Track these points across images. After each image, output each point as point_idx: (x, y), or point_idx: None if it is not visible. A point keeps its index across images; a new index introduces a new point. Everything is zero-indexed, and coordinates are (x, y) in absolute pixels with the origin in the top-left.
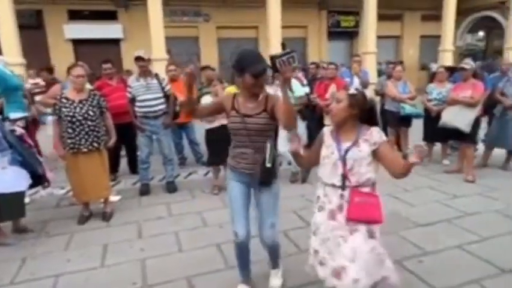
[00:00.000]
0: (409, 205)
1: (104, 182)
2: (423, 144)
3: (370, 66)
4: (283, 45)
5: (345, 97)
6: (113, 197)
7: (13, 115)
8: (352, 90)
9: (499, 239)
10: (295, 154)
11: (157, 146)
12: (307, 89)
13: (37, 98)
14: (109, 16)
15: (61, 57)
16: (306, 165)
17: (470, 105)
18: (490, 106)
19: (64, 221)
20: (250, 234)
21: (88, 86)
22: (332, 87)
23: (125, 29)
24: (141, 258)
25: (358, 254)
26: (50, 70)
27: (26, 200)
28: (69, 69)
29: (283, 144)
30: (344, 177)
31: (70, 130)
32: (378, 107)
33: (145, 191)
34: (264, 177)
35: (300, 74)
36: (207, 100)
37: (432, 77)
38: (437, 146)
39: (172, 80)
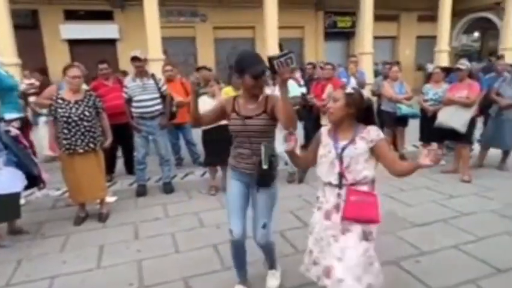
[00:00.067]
0: (406, 205)
1: (100, 183)
2: (437, 147)
3: (367, 66)
4: (281, 46)
5: (342, 96)
6: (110, 198)
7: (8, 116)
8: (349, 90)
9: (495, 239)
10: (291, 154)
11: (153, 147)
12: (304, 90)
13: (31, 98)
14: (105, 16)
15: (57, 57)
16: (303, 165)
17: (466, 105)
18: (485, 106)
19: (60, 222)
20: (246, 233)
21: (84, 87)
22: (329, 88)
23: (121, 29)
24: (138, 259)
25: (347, 255)
26: (43, 71)
27: (22, 201)
28: (65, 69)
29: (280, 144)
30: (341, 175)
31: (65, 131)
32: (374, 107)
33: (141, 191)
34: (260, 179)
35: (298, 75)
36: (204, 101)
37: (428, 78)
38: (434, 146)
39: (169, 80)
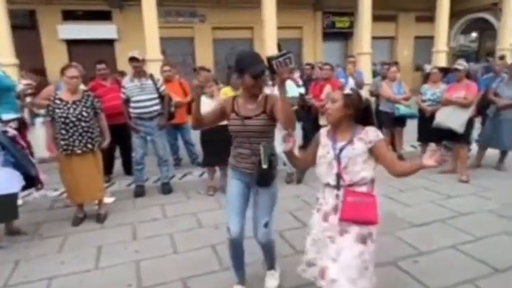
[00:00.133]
0: (404, 205)
1: (98, 184)
2: (440, 149)
3: (365, 66)
4: (279, 46)
5: (340, 97)
6: (108, 199)
7: (5, 116)
8: (347, 90)
9: (493, 239)
10: (289, 155)
11: (151, 147)
12: (302, 90)
13: (28, 99)
14: (103, 16)
15: (55, 57)
16: (301, 166)
17: (464, 105)
18: (483, 106)
19: (58, 223)
20: (244, 232)
21: (82, 87)
22: (327, 88)
23: (119, 29)
24: (136, 260)
25: (342, 256)
26: (38, 71)
27: (19, 202)
28: (63, 70)
29: (279, 144)
30: (339, 176)
31: (63, 131)
32: (373, 108)
33: (139, 192)
34: (260, 179)
35: (296, 75)
36: (202, 101)
37: (426, 78)
38: (431, 147)
39: (167, 80)
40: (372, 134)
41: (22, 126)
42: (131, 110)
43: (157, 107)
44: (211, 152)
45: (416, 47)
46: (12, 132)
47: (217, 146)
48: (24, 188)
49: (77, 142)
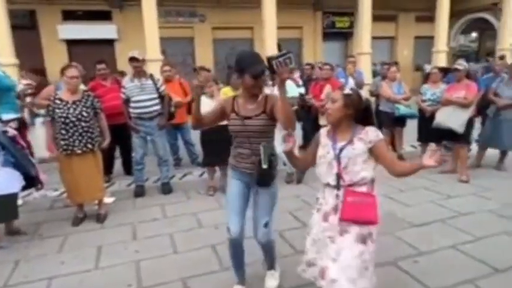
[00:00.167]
0: (404, 205)
1: (98, 184)
2: (438, 148)
3: (365, 66)
4: (279, 46)
5: (340, 97)
6: (108, 199)
7: (5, 116)
8: (347, 90)
9: (493, 239)
10: (289, 155)
11: (151, 147)
12: (302, 90)
13: (27, 99)
14: (103, 16)
15: (55, 57)
16: (301, 166)
17: (464, 105)
18: (483, 106)
19: (58, 223)
20: (243, 231)
21: (82, 87)
22: (327, 88)
23: (119, 29)
24: (136, 260)
25: (342, 256)
26: (37, 71)
27: (19, 202)
28: (63, 70)
29: (279, 144)
30: (339, 176)
31: (63, 131)
32: (373, 108)
33: (139, 192)
34: (260, 179)
35: (297, 75)
36: (202, 101)
37: (426, 78)
38: (431, 147)
39: (167, 80)
40: (372, 134)
41: (22, 126)
42: (131, 110)
43: (157, 107)
44: (211, 152)
45: (416, 47)
46: (12, 132)
47: (217, 146)
48: (24, 188)
49: (77, 142)
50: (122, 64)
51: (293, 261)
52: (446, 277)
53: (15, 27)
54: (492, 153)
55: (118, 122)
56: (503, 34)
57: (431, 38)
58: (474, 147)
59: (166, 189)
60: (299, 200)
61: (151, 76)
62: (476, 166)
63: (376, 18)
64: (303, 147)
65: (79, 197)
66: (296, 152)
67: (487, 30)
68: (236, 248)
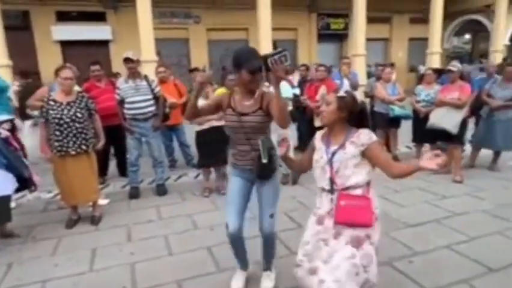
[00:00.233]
0: (399, 206)
1: (92, 185)
2: (442, 154)
3: (359, 68)
4: (275, 44)
5: (334, 99)
6: (102, 201)
7: None
8: (341, 93)
9: (487, 239)
10: (285, 158)
11: (146, 149)
12: (297, 91)
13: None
14: (98, 17)
15: (49, 59)
16: (297, 169)
17: (458, 106)
18: (476, 107)
19: (52, 225)
20: (242, 227)
21: (76, 88)
22: (322, 89)
23: (114, 30)
24: (130, 262)
25: (334, 258)
26: (24, 74)
27: (12, 204)
28: (57, 71)
29: (275, 138)
30: (332, 180)
31: (57, 133)
32: (368, 110)
33: (134, 194)
34: (261, 173)
35: (291, 77)
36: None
37: (420, 79)
38: (426, 147)
39: (162, 81)
40: (364, 137)
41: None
42: (125, 111)
43: (152, 108)
44: (206, 153)
45: (410, 49)
46: (4, 133)
47: (212, 147)
48: (17, 190)
49: (72, 143)
50: (117, 65)
51: (289, 262)
52: (441, 277)
53: (8, 28)
54: (485, 153)
55: (113, 123)
56: (496, 36)
57: (425, 39)
58: (468, 147)
59: (161, 190)
60: (295, 201)
61: (146, 77)
62: (469, 166)
63: (370, 20)
64: (298, 148)
65: (73, 199)
66: (291, 154)
67: (480, 32)
68: (235, 242)
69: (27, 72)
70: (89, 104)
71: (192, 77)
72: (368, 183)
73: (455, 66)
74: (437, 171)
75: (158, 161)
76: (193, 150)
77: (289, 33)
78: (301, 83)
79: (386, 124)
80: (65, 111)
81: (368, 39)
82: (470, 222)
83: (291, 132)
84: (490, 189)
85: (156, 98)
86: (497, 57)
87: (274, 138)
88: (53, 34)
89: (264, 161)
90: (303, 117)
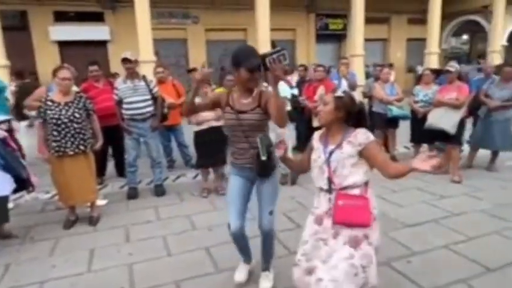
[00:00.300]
0: (397, 206)
1: (90, 186)
2: (438, 156)
3: (358, 68)
4: (273, 44)
5: (332, 100)
6: (100, 201)
7: None
8: (339, 93)
9: (485, 239)
10: (284, 160)
11: (144, 149)
12: (295, 91)
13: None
14: (96, 18)
15: (47, 59)
16: (296, 169)
17: (456, 107)
18: (474, 108)
19: (49, 226)
20: (244, 226)
21: (74, 89)
22: (321, 89)
23: (112, 30)
24: (129, 263)
25: (332, 258)
26: (19, 74)
27: (10, 205)
28: (55, 71)
29: (274, 136)
30: (330, 180)
31: (55, 133)
32: (366, 110)
33: (132, 194)
34: (261, 170)
35: (290, 77)
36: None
37: (418, 79)
38: (424, 148)
39: (160, 82)
40: (361, 136)
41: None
42: (123, 112)
43: (150, 109)
44: (204, 154)
45: (408, 49)
46: (2, 134)
47: (211, 147)
48: (15, 191)
49: (69, 143)
50: (115, 65)
51: (287, 263)
52: (439, 277)
53: (5, 28)
54: (483, 154)
55: (111, 123)
56: (493, 36)
57: (423, 40)
58: (466, 148)
59: (160, 191)
60: (293, 201)
61: (144, 77)
62: (467, 167)
63: (369, 20)
64: (296, 148)
65: (70, 200)
66: (290, 154)
67: (478, 33)
68: (238, 240)
69: (22, 72)
70: (87, 104)
71: (191, 77)
72: (366, 183)
73: (453, 66)
74: (435, 172)
75: (156, 161)
76: (192, 150)
77: (288, 34)
78: (300, 84)
79: (384, 124)
80: (63, 112)
81: (366, 40)
82: (468, 222)
83: (289, 132)
84: (488, 189)
85: (154, 98)
86: (495, 58)
87: (272, 136)
88: (51, 34)
89: (263, 158)
90: (301, 118)
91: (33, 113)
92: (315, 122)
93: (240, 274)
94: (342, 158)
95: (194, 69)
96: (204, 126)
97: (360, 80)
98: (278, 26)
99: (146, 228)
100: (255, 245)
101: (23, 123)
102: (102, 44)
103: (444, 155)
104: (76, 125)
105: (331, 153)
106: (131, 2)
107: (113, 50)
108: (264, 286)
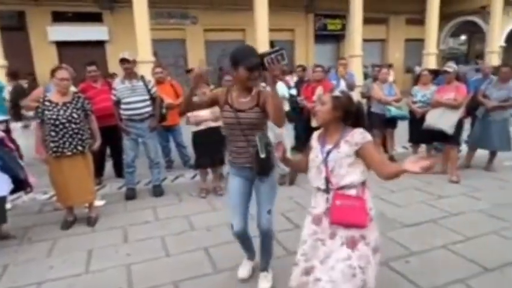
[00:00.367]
0: (395, 206)
1: (88, 186)
2: (433, 159)
3: (356, 69)
4: (272, 45)
5: (329, 99)
6: (98, 202)
7: None
8: (336, 93)
9: (483, 239)
10: (284, 161)
11: (143, 149)
12: (293, 91)
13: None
14: (94, 18)
15: (45, 59)
16: (298, 169)
17: (454, 107)
18: (472, 108)
19: (47, 226)
20: (247, 226)
21: (72, 89)
22: (319, 90)
23: (110, 31)
24: (127, 264)
25: (330, 258)
26: (13, 75)
27: (8, 205)
28: (53, 71)
29: (272, 134)
30: (327, 180)
31: (53, 133)
32: (364, 110)
33: (130, 195)
34: (260, 169)
35: (288, 77)
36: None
37: (416, 80)
38: (422, 148)
39: (159, 82)
40: (358, 136)
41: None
42: (122, 112)
43: (148, 109)
44: (203, 154)
45: (406, 50)
46: (0, 134)
47: (209, 148)
48: (12, 192)
49: (67, 144)
50: (114, 66)
51: (286, 263)
52: (437, 277)
53: (3, 29)
54: (481, 154)
55: (109, 123)
56: (491, 37)
57: (421, 40)
58: (464, 148)
59: (158, 191)
60: (292, 201)
61: (142, 77)
62: (465, 167)
63: (367, 20)
64: (295, 148)
65: (68, 200)
66: (288, 155)
67: (476, 33)
68: (241, 239)
69: (17, 73)
70: (85, 105)
71: (189, 77)
72: (363, 184)
73: (451, 67)
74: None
75: (154, 162)
76: (190, 151)
77: (287, 34)
78: (298, 84)
79: (383, 125)
80: (61, 112)
81: (365, 40)
82: (467, 222)
83: (287, 132)
84: (486, 189)
85: (153, 98)
86: (492, 58)
87: (270, 136)
88: (49, 35)
89: (262, 155)
90: (299, 118)
91: (31, 113)
92: (313, 122)
93: (244, 270)
94: (339, 157)
95: (192, 70)
96: (202, 127)
97: (359, 80)
98: (277, 26)
99: (145, 228)
100: (254, 245)
101: (19, 124)
102: (100, 44)
103: (442, 155)
104: (74, 126)
105: (328, 152)
106: (130, 2)
107: (112, 51)
108: (263, 287)
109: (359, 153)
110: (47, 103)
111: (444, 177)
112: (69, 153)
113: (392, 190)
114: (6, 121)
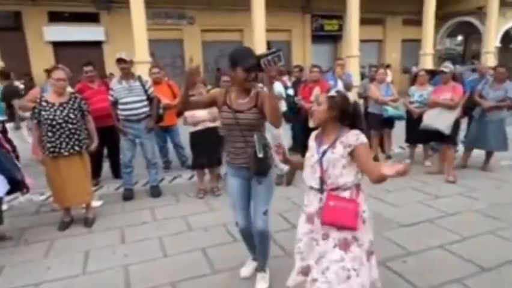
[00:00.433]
0: (392, 206)
1: (86, 187)
2: (405, 163)
3: (353, 69)
4: (269, 45)
5: (325, 100)
6: (96, 202)
7: None
8: (332, 93)
9: (479, 238)
10: (285, 161)
11: (140, 150)
12: (291, 91)
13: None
14: (91, 18)
15: (41, 60)
16: (300, 169)
17: (450, 107)
18: (469, 108)
19: (44, 227)
20: (250, 224)
21: (69, 89)
22: (316, 90)
23: (107, 31)
24: (124, 265)
25: (324, 259)
26: (3, 75)
27: (4, 206)
28: (49, 72)
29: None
30: (322, 180)
31: (49, 134)
32: (362, 110)
33: (128, 195)
34: (257, 169)
35: (285, 78)
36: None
37: (413, 80)
38: (419, 148)
39: (156, 82)
40: (352, 137)
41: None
42: (119, 112)
43: (146, 109)
44: (200, 155)
45: (403, 50)
46: None
47: (206, 148)
48: (9, 192)
49: (64, 144)
50: (111, 66)
51: (283, 263)
52: (434, 277)
53: None
54: (478, 154)
55: (106, 124)
56: (487, 37)
57: (418, 41)
58: (460, 148)
59: (155, 192)
60: (289, 201)
61: (139, 78)
62: (462, 167)
63: (364, 21)
64: (292, 148)
65: (65, 201)
66: (287, 155)
67: (472, 34)
68: (246, 236)
69: (8, 73)
70: (82, 105)
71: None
72: (357, 186)
73: (448, 67)
74: (431, 171)
75: (152, 162)
76: (188, 151)
77: (284, 35)
78: (296, 84)
79: (380, 125)
80: (58, 112)
81: (362, 41)
82: (463, 222)
83: (284, 132)
84: (482, 189)
85: (150, 99)
86: (488, 59)
87: (268, 137)
88: (45, 35)
89: (260, 155)
90: (297, 118)
91: (27, 114)
92: (310, 123)
93: (246, 270)
94: (334, 158)
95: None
96: (200, 127)
97: (356, 80)
98: (274, 26)
99: (142, 229)
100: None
101: (10, 125)
102: (97, 44)
103: (439, 155)
104: (70, 126)
105: (324, 152)
106: (127, 3)
107: (109, 51)
108: (260, 287)
109: (352, 155)
110: (43, 103)
111: (441, 177)
112: (66, 154)
113: (389, 190)
114: (2, 122)
